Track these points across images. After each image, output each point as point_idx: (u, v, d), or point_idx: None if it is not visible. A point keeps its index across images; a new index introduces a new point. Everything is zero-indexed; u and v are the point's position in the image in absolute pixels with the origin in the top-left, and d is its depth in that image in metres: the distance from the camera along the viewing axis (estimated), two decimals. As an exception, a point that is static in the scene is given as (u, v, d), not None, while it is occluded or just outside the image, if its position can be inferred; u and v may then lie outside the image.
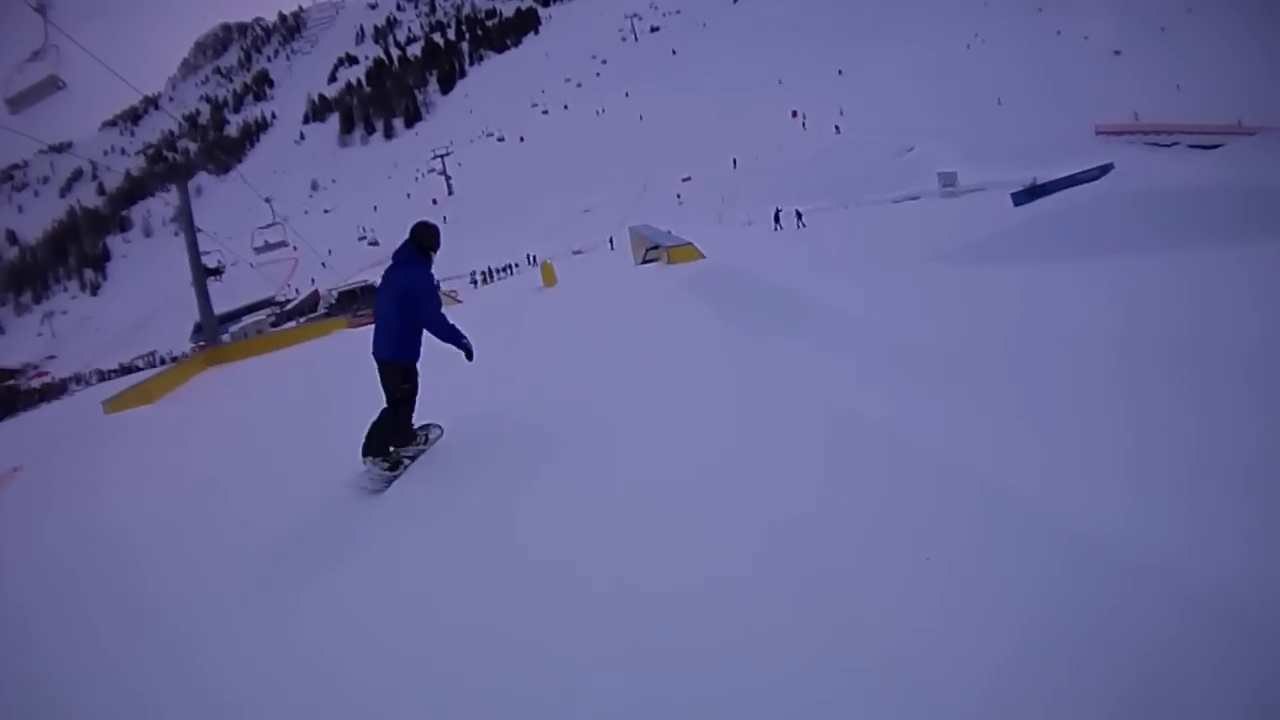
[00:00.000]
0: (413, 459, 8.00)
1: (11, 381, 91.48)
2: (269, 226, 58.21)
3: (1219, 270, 7.42)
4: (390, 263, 7.97)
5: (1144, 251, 8.55)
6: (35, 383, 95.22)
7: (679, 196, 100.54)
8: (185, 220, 33.30)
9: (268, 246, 56.76)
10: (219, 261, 33.97)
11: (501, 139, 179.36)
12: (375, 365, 7.77)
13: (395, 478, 7.69)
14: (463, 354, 7.85)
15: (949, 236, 17.22)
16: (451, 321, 7.76)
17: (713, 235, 46.05)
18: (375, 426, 7.77)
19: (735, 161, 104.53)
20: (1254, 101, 68.58)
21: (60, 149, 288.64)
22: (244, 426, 12.21)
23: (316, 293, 69.48)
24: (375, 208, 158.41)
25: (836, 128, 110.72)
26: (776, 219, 57.17)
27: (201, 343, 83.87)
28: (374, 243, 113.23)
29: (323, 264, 79.17)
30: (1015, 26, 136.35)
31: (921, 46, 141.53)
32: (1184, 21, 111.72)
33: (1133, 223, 11.04)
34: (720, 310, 11.98)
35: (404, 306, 7.61)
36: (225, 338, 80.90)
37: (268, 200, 59.01)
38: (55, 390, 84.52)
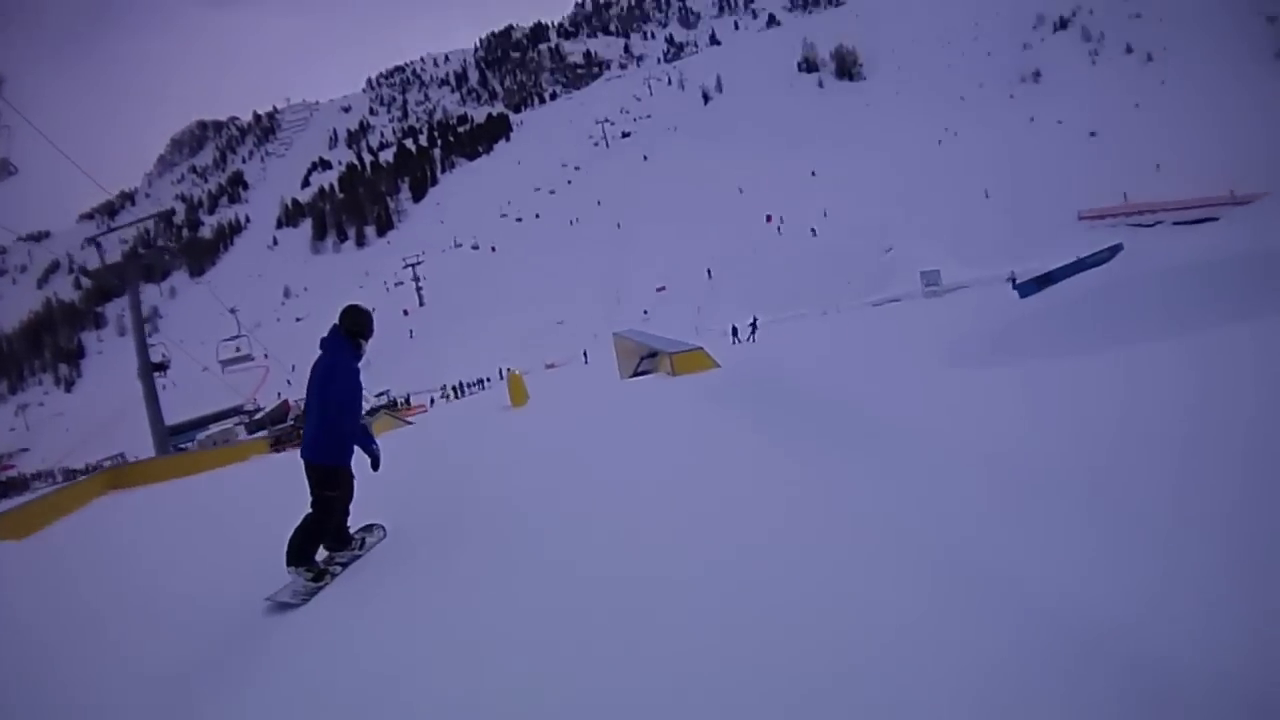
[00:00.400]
0: (345, 565, 7.29)
1: None
2: (234, 339, 57.43)
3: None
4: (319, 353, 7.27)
5: (1168, 335, 7.57)
6: (1, 475, 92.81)
7: (645, 313, 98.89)
8: (134, 314, 32.42)
9: (234, 359, 56.03)
10: (164, 355, 32.61)
11: (475, 247, 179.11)
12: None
13: (319, 589, 6.83)
14: (369, 460, 7.33)
15: (958, 335, 15.95)
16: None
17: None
18: (298, 530, 6.89)
19: (709, 272, 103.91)
20: (1236, 170, 70.70)
21: (37, 238, 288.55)
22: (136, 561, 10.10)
23: (286, 402, 67.98)
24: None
25: (813, 230, 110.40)
26: (734, 332, 56.17)
27: (178, 445, 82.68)
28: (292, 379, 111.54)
29: (288, 381, 77.64)
30: (988, 119, 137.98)
31: (894, 145, 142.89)
32: (1157, 96, 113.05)
33: (1155, 305, 10.32)
34: (771, 435, 8.78)
35: (324, 398, 7.03)
36: (192, 445, 79.99)
37: (233, 311, 58.02)
38: (18, 486, 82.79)
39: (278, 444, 63.25)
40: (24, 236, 37.52)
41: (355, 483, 7.42)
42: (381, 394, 74.21)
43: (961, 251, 76.05)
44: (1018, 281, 47.66)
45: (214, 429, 79.54)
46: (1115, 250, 41.08)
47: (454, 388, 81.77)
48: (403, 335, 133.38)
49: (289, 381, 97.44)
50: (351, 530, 7.60)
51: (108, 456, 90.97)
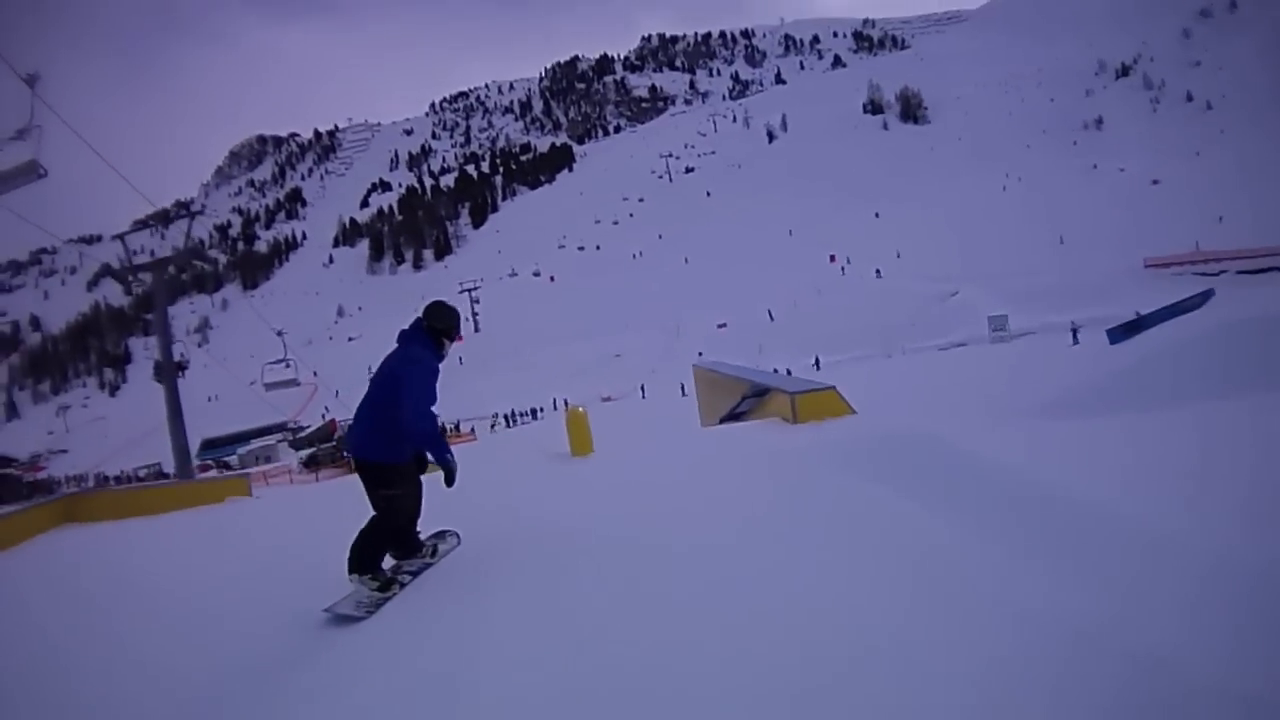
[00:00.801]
0: (415, 574, 6.40)
1: (9, 470, 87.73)
2: (281, 361, 56.27)
3: None
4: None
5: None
6: (29, 477, 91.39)
7: (700, 354, 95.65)
8: (158, 316, 31.18)
9: (279, 382, 55.17)
10: (182, 355, 31.25)
11: (536, 274, 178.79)
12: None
13: (387, 599, 5.95)
14: (443, 473, 6.20)
15: (1051, 384, 15.14)
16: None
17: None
18: (360, 535, 6.09)
19: (771, 313, 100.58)
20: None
21: (89, 241, 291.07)
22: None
23: (333, 422, 66.64)
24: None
25: (878, 272, 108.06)
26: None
27: (208, 461, 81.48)
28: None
29: (336, 394, 76.03)
30: (1052, 165, 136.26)
31: (959, 189, 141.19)
32: (1218, 144, 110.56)
33: (1259, 353, 9.95)
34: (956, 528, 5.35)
35: (390, 390, 6.05)
36: (233, 459, 78.75)
37: (280, 334, 56.63)
38: (44, 489, 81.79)
39: (314, 464, 62.21)
40: (74, 239, 36.74)
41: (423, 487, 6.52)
42: (431, 420, 72.20)
43: (1025, 298, 73.53)
44: (1079, 330, 47.70)
45: (255, 444, 78.65)
46: (1206, 296, 40.38)
47: (506, 416, 79.65)
48: (454, 361, 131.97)
49: (337, 394, 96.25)
50: (422, 537, 6.76)
51: (144, 465, 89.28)
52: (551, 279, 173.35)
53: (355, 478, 6.53)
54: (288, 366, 54.97)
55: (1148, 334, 19.67)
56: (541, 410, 78.58)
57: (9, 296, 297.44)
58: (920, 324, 77.42)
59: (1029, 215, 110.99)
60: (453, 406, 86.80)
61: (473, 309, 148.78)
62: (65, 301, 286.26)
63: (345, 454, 60.87)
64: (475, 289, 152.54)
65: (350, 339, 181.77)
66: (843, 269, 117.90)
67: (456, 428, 73.50)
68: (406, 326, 6.49)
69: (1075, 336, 49.34)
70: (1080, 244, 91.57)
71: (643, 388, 77.63)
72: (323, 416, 73.24)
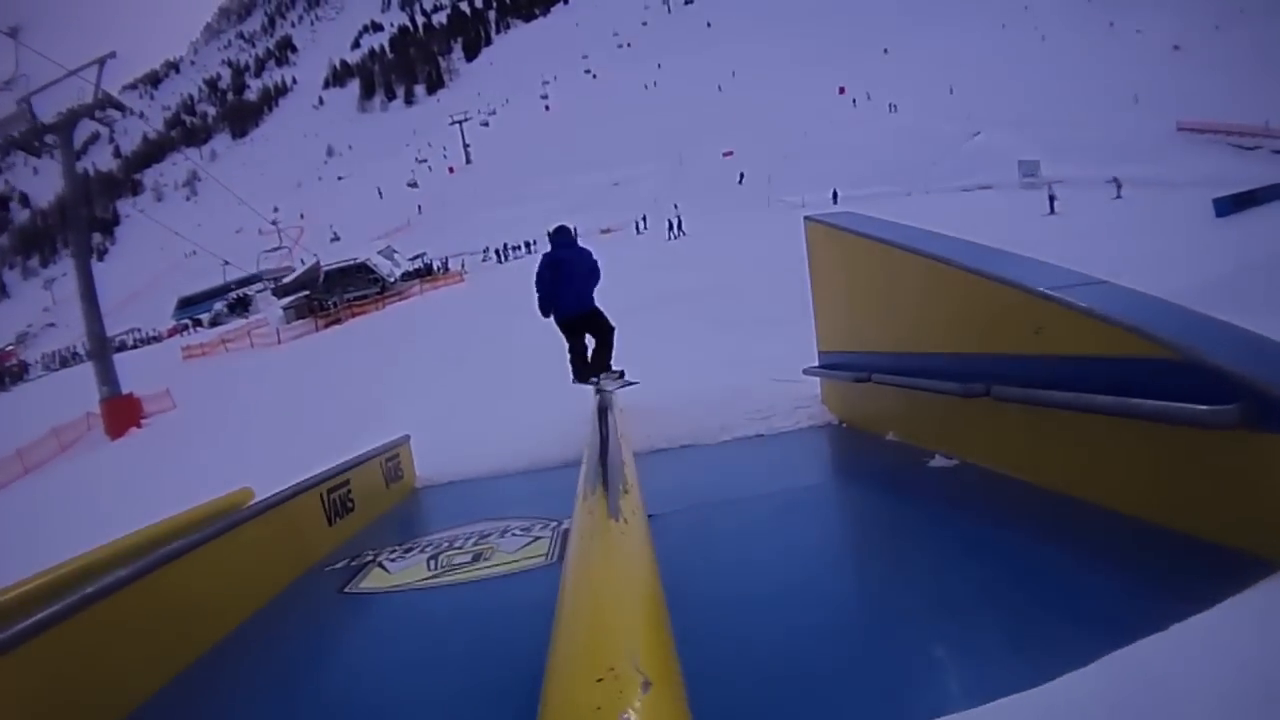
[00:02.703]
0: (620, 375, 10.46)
1: None
2: (275, 250, 55.39)
3: None
4: (549, 248, 10.66)
5: None
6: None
7: (741, 177, 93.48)
8: (68, 174, 29.42)
9: (276, 271, 55.69)
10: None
11: (543, 98, 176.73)
12: (569, 320, 10.35)
13: (629, 382, 10.26)
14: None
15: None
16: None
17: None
18: (595, 355, 10.36)
19: (741, 176, 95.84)
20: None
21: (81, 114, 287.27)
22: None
23: (318, 264, 63.54)
24: (380, 193, 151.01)
25: (893, 106, 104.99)
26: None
27: (184, 321, 79.21)
28: (336, 238, 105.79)
29: (333, 238, 73.08)
30: (1067, 20, 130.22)
31: (973, 30, 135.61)
32: (1236, 23, 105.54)
33: None
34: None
35: (594, 273, 10.52)
36: (205, 315, 76.48)
37: (274, 223, 54.63)
38: (14, 375, 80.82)
39: (311, 313, 59.64)
40: (62, 112, 35.31)
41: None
42: (415, 258, 69.07)
43: (1053, 147, 70.35)
44: (1121, 185, 44.01)
45: (234, 296, 76.13)
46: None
47: (498, 251, 76.92)
48: (446, 196, 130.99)
49: (336, 236, 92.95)
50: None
51: (126, 330, 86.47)
52: (546, 108, 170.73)
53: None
54: (283, 254, 54.06)
55: (1263, 211, 16.35)
56: (535, 243, 75.12)
57: None
58: (941, 164, 75.53)
59: (1047, 64, 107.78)
60: (442, 244, 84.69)
61: (463, 140, 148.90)
62: (55, 174, 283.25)
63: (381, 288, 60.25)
64: (465, 120, 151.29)
65: (340, 178, 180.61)
66: (854, 101, 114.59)
67: (445, 267, 70.56)
68: (559, 238, 10.67)
69: (1119, 191, 48.00)
70: (1103, 100, 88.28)
71: (642, 220, 76.04)
72: (315, 256, 69.80)
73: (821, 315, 8.21)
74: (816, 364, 8.38)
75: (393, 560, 5.36)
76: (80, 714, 3.47)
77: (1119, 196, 44.08)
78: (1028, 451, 4.43)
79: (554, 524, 5.50)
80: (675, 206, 74.86)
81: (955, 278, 4.93)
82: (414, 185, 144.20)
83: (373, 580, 5.02)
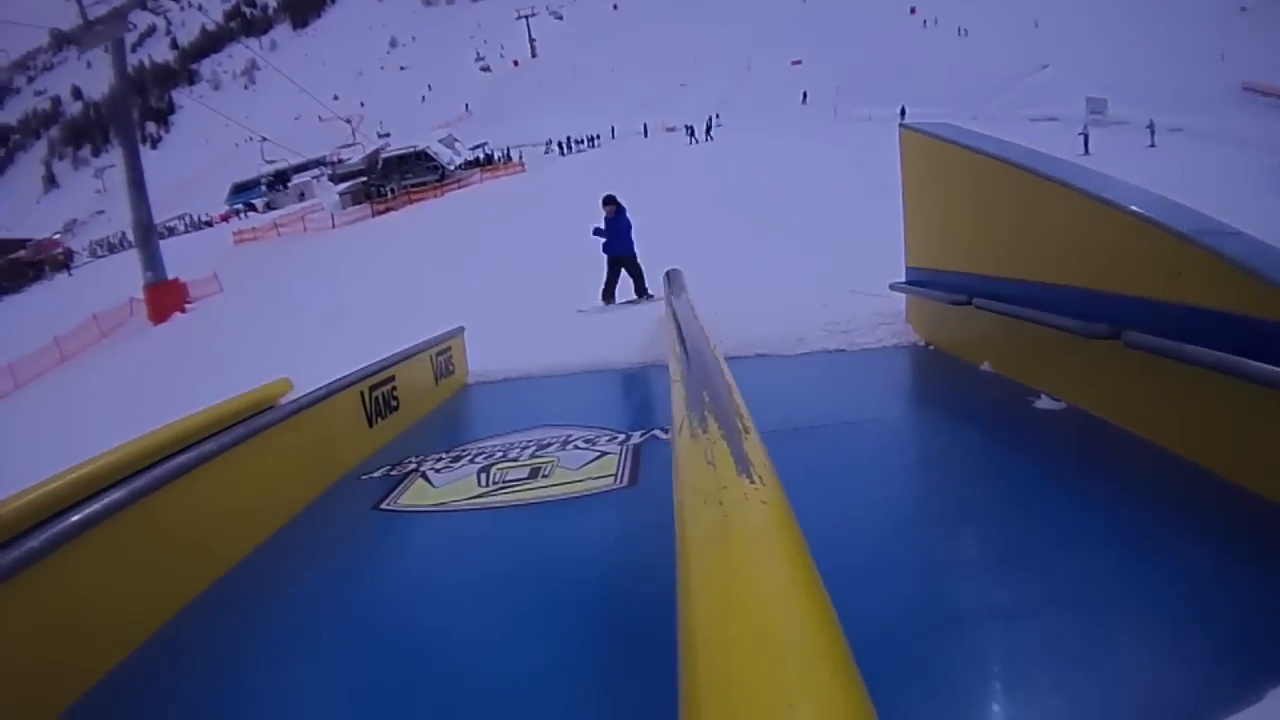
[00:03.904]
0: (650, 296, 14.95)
1: (19, 253, 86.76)
2: (350, 146, 56.67)
3: None
4: (606, 215, 15.59)
5: None
6: (40, 255, 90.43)
7: (805, 96, 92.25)
8: (117, 69, 29.59)
9: (348, 173, 57.07)
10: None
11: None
12: (613, 260, 15.65)
13: (654, 299, 14.13)
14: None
15: None
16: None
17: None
18: (636, 289, 15.49)
19: (805, 95, 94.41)
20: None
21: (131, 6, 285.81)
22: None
23: (378, 151, 63.62)
24: (440, 84, 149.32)
25: (964, 30, 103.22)
26: None
27: (237, 206, 79.61)
28: (385, 132, 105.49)
29: (379, 134, 72.87)
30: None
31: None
32: None
33: None
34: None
35: (629, 228, 15.67)
36: (264, 200, 76.75)
37: (348, 120, 54.80)
38: (56, 266, 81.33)
39: (368, 199, 59.81)
40: (116, 6, 35.31)
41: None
42: (477, 147, 68.87)
43: (1120, 89, 69.62)
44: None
45: (294, 181, 76.18)
46: None
47: (560, 144, 76.70)
48: (510, 89, 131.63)
49: (383, 132, 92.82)
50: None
51: (178, 215, 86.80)
52: (615, 7, 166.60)
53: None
54: (357, 148, 55.46)
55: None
56: (598, 138, 74.74)
57: (50, 74, 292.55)
58: (1007, 92, 75.71)
59: (1117, 9, 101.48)
60: (504, 135, 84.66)
61: (529, 35, 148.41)
62: (109, 67, 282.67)
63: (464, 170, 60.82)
64: (532, 15, 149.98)
65: (402, 68, 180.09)
66: (924, 23, 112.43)
67: (506, 155, 70.50)
68: (613, 211, 15.53)
69: (1153, 138, 48.66)
70: (1166, 51, 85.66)
71: (712, 119, 74.36)
72: (363, 148, 69.72)
73: (913, 230, 7.52)
74: (904, 280, 7.67)
75: (438, 471, 4.84)
76: (95, 637, 3.12)
77: (1153, 144, 43.60)
78: (1156, 407, 3.92)
79: (620, 437, 5.02)
80: (716, 116, 75.48)
81: (1079, 205, 4.38)
82: (486, 69, 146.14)
83: (414, 495, 4.49)
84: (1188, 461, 3.55)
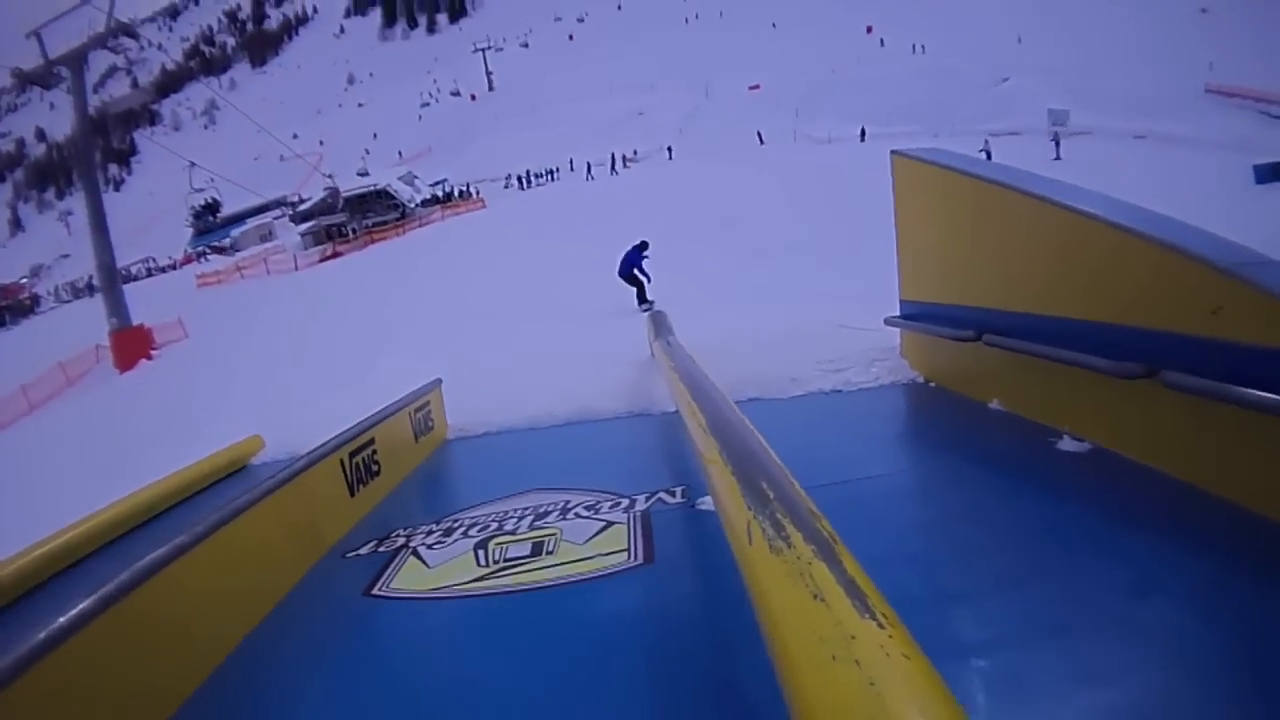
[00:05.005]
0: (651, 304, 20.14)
1: None
2: (328, 180, 58.61)
3: None
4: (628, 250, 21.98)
5: None
6: (8, 300, 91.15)
7: (760, 137, 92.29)
8: (78, 105, 29.83)
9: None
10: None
11: (566, 24, 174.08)
12: (622, 276, 22.02)
13: (651, 305, 19.83)
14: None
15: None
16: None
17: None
18: (639, 298, 21.59)
19: (760, 136, 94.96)
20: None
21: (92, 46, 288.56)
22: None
23: (337, 190, 63.71)
24: (399, 120, 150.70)
25: (918, 46, 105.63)
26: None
27: (201, 248, 79.48)
28: (364, 173, 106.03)
29: (327, 175, 73.09)
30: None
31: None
32: None
33: None
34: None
35: (632, 260, 21.93)
36: (226, 242, 76.82)
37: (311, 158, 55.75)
38: (22, 311, 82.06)
39: (329, 239, 59.65)
40: (76, 47, 35.34)
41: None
42: (437, 184, 69.26)
43: (1082, 98, 69.87)
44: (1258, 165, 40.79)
45: (251, 223, 76.32)
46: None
47: (520, 178, 77.80)
48: (468, 121, 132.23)
49: (327, 173, 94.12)
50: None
51: (137, 260, 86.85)
52: (570, 37, 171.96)
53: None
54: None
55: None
56: (558, 171, 75.64)
57: (14, 115, 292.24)
58: (968, 107, 75.99)
59: (1076, 17, 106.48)
60: (464, 170, 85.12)
61: (486, 68, 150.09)
62: (72, 110, 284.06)
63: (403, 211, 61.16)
64: (488, 48, 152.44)
65: (360, 104, 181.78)
66: (881, 41, 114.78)
67: (465, 191, 70.83)
68: (632, 247, 22.35)
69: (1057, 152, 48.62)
70: (1127, 56, 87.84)
71: (670, 149, 77.44)
72: (331, 178, 69.98)
73: (907, 261, 7.25)
74: (898, 314, 7.41)
75: (430, 547, 4.47)
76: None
77: (1057, 158, 44.53)
78: (1197, 449, 3.70)
79: (624, 502, 4.66)
80: (634, 152, 79.83)
81: (1100, 234, 4.16)
82: (456, 94, 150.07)
83: (408, 578, 4.12)
84: (1240, 507, 3.33)
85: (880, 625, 1.53)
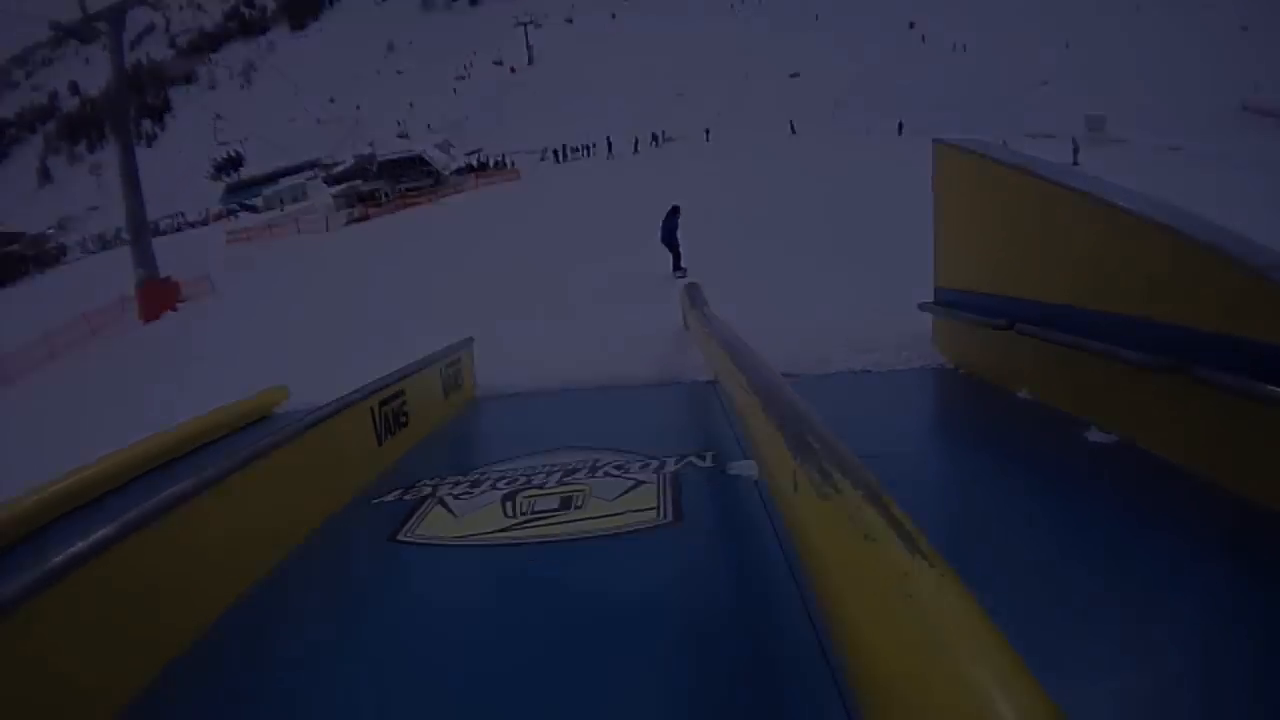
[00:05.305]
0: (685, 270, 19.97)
1: (12, 247, 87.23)
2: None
3: None
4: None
5: None
6: (34, 251, 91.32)
7: (792, 127, 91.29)
8: (115, 62, 29.17)
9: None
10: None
11: (613, 15, 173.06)
12: (662, 240, 21.75)
13: (685, 272, 20.05)
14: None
15: None
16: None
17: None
18: (674, 264, 21.33)
19: (793, 125, 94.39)
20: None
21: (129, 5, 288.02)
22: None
23: (373, 154, 64.01)
24: (439, 88, 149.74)
25: (959, 45, 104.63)
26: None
27: (231, 206, 79.46)
28: (403, 135, 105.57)
29: (369, 144, 72.80)
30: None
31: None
32: None
33: None
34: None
35: (670, 225, 21.71)
36: (257, 201, 76.66)
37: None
38: (50, 259, 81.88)
39: (361, 202, 59.54)
40: (115, 2, 35.45)
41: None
42: (472, 153, 69.21)
43: (1119, 108, 69.87)
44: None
45: (284, 183, 76.06)
46: None
47: (555, 151, 78.39)
48: (506, 93, 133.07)
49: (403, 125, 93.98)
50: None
51: (167, 215, 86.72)
52: (612, 16, 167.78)
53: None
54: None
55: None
56: (594, 147, 76.84)
57: (48, 69, 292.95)
58: (1005, 107, 75.82)
59: (1117, 29, 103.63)
60: (500, 141, 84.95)
61: (527, 42, 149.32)
62: (108, 64, 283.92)
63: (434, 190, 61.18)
64: (530, 24, 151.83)
65: (398, 72, 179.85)
66: (923, 38, 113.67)
67: (500, 161, 70.81)
68: (673, 209, 22.07)
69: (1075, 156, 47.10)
70: (1169, 69, 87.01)
71: (707, 131, 77.83)
72: (369, 145, 69.68)
73: (945, 249, 7.25)
74: (932, 299, 7.41)
75: (458, 497, 4.47)
76: (83, 688, 2.73)
77: (1076, 163, 43.72)
78: (1225, 444, 3.68)
79: (654, 463, 4.65)
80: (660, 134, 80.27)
81: (1142, 232, 4.17)
82: (499, 63, 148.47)
83: (434, 525, 4.12)
84: (1263, 504, 3.31)
85: (930, 564, 1.56)
